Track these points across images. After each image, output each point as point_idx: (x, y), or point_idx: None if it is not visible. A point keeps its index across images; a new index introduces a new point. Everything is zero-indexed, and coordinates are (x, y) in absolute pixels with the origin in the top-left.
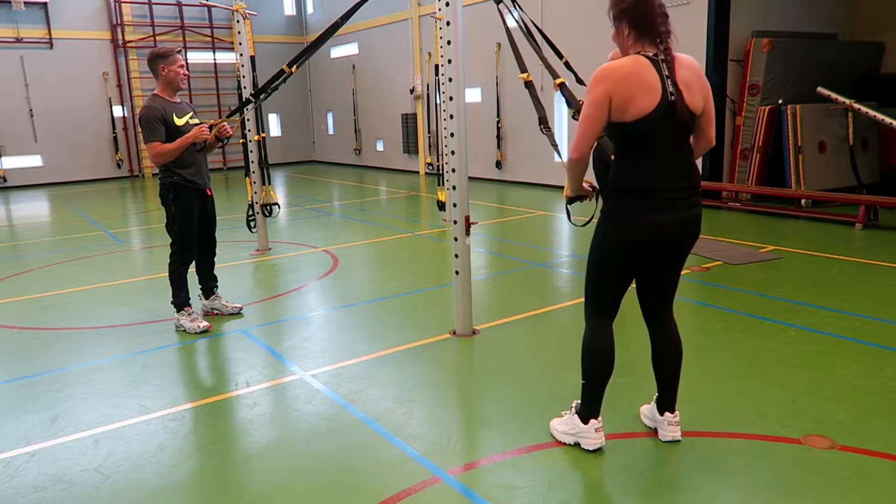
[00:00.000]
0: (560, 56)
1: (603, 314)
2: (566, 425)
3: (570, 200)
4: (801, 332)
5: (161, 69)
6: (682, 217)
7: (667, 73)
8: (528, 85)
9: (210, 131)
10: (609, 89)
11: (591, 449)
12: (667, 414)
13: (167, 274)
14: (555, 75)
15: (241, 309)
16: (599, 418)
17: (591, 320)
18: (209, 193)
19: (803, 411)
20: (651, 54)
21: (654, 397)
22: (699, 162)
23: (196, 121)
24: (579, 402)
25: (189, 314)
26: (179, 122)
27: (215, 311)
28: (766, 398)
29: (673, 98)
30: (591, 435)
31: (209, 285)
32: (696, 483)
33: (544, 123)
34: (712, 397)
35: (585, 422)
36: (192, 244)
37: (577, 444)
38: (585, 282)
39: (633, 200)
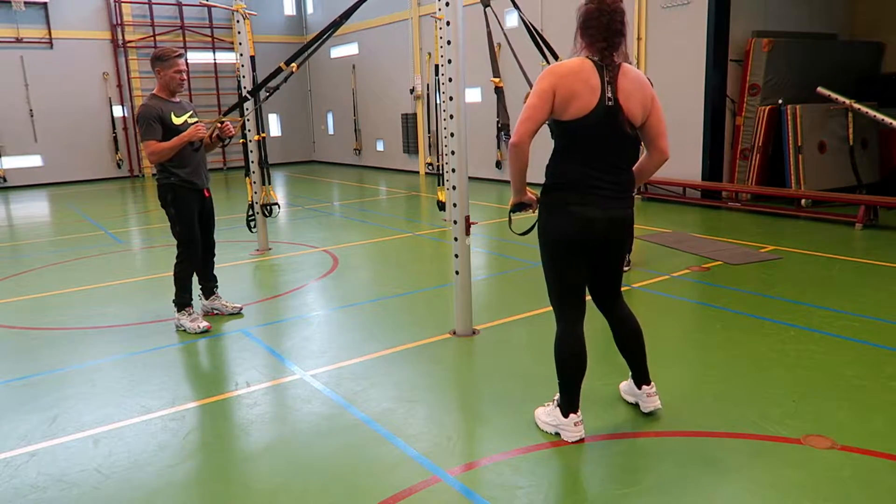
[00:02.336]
0: (556, 56)
1: (568, 311)
2: (549, 416)
3: (514, 209)
4: (801, 332)
5: (158, 71)
6: (612, 215)
7: (608, 78)
8: (498, 91)
9: (207, 131)
10: (554, 83)
11: (571, 441)
12: (644, 387)
13: (172, 274)
14: (531, 84)
15: (241, 309)
16: (579, 412)
17: (560, 319)
18: (207, 195)
19: (803, 411)
20: (596, 59)
21: (630, 375)
22: (698, 162)
23: (195, 120)
24: (560, 395)
25: (189, 314)
26: (177, 120)
27: (215, 311)
28: (766, 398)
29: (610, 104)
30: (571, 428)
31: (209, 285)
32: (696, 483)
33: (505, 130)
34: (712, 397)
35: (566, 415)
36: (197, 243)
37: (557, 434)
38: (547, 288)
39: (568, 193)
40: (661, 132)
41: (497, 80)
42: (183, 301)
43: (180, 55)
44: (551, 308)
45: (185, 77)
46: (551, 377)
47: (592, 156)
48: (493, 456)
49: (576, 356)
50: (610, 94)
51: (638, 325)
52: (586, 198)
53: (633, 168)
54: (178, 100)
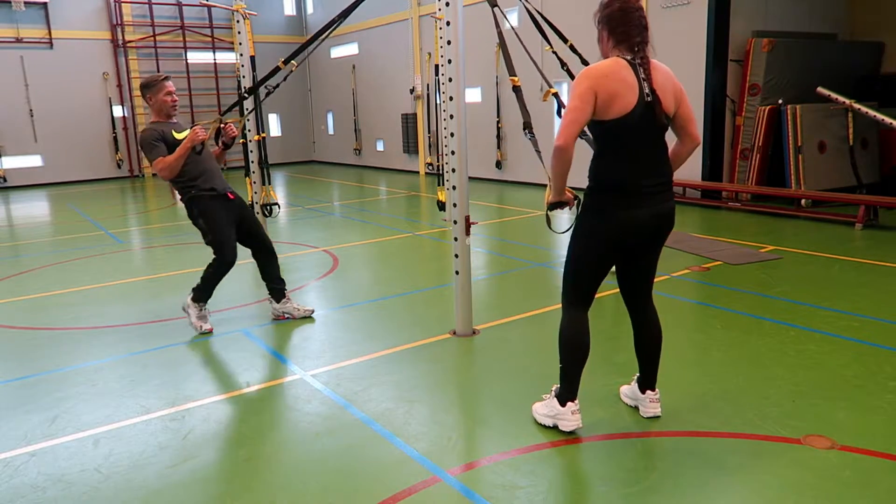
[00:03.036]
0: (564, 40)
1: (580, 302)
2: (546, 408)
3: (552, 207)
4: (801, 332)
5: (149, 99)
6: (659, 210)
7: (643, 75)
8: (516, 89)
9: (206, 132)
10: (593, 85)
11: (567, 430)
12: (648, 392)
13: (203, 270)
14: (548, 82)
15: (313, 312)
16: (576, 401)
17: (569, 308)
18: (232, 197)
19: (803, 411)
20: (628, 58)
21: (635, 377)
22: (698, 162)
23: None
24: (558, 386)
25: (200, 309)
26: (179, 136)
27: (287, 316)
28: (766, 398)
29: (649, 99)
30: (569, 417)
31: (277, 287)
32: (696, 483)
33: (528, 128)
34: (712, 397)
35: (563, 404)
36: (231, 249)
37: (555, 427)
38: (565, 272)
39: (614, 195)
40: (691, 118)
41: (515, 78)
42: (200, 296)
43: (167, 78)
44: (554, 307)
45: (177, 98)
46: (551, 377)
47: (636, 153)
48: (493, 456)
49: (581, 343)
50: (647, 90)
51: (660, 331)
52: (633, 199)
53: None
54: (175, 121)
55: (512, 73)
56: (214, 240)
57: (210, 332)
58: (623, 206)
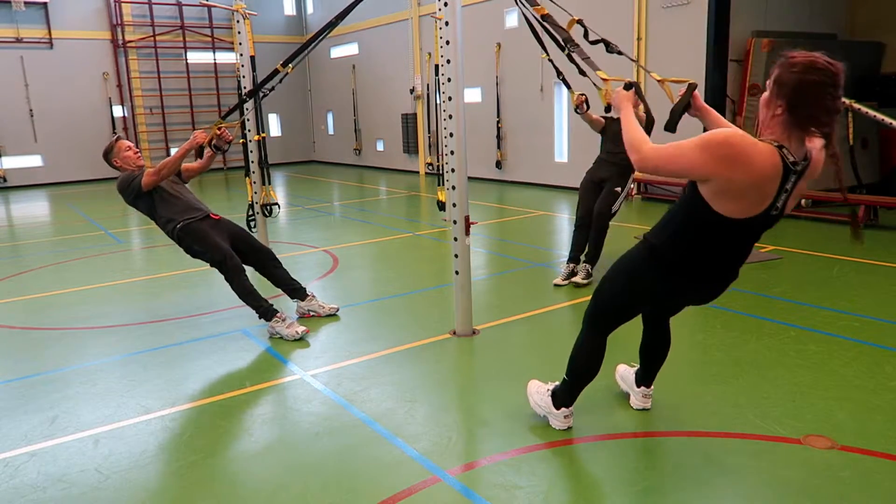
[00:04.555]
0: (572, 41)
1: (608, 328)
2: (542, 399)
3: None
4: (801, 332)
5: (114, 162)
6: (720, 289)
7: (790, 187)
8: (545, 17)
9: (206, 135)
10: (723, 174)
11: (558, 429)
12: (643, 387)
13: (236, 295)
14: (559, 72)
15: (338, 310)
16: (571, 408)
17: (591, 329)
18: (217, 217)
19: (803, 411)
20: (790, 160)
21: (635, 369)
22: None
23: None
24: (557, 384)
25: (283, 320)
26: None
27: (311, 313)
28: (766, 398)
29: (775, 213)
30: (560, 419)
31: (294, 287)
32: (696, 483)
33: (571, 43)
34: (712, 397)
35: (557, 408)
36: (230, 255)
37: (544, 417)
38: (596, 298)
39: (681, 277)
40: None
41: (539, 7)
42: (264, 309)
43: (119, 137)
44: (554, 307)
45: (138, 150)
46: (551, 377)
47: (727, 252)
48: (493, 456)
49: (593, 366)
50: (780, 203)
51: (669, 343)
52: (699, 284)
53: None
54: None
55: (534, 3)
56: (214, 257)
57: (307, 332)
58: (685, 286)
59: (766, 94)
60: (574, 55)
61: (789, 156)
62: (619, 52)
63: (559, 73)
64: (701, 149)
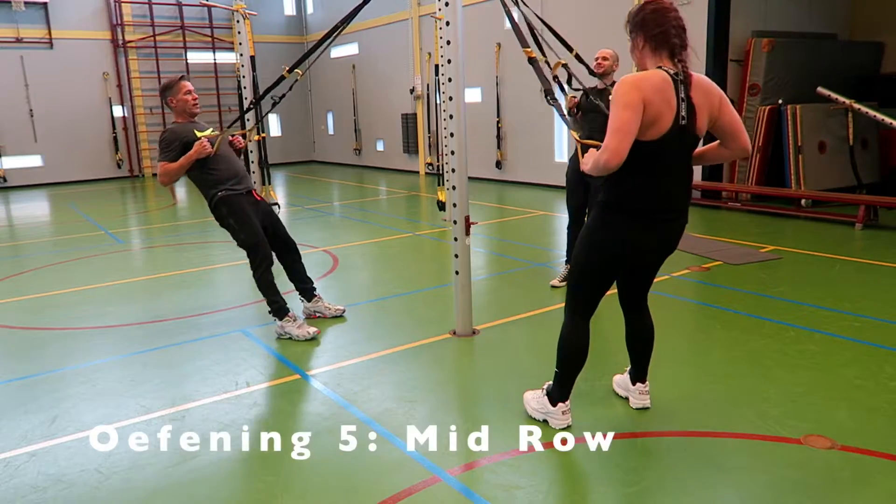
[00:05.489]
0: (570, 49)
1: (582, 311)
2: (538, 403)
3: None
4: (801, 332)
5: (170, 101)
6: (669, 234)
7: (682, 94)
8: (532, 61)
9: (212, 146)
10: (645, 98)
11: (558, 428)
12: (638, 384)
13: (256, 285)
14: (547, 81)
15: (344, 311)
16: (567, 402)
17: (572, 315)
18: (259, 198)
19: (803, 411)
20: (671, 72)
21: (628, 369)
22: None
23: (216, 133)
24: (550, 383)
25: (294, 320)
26: (201, 134)
27: (318, 314)
28: (766, 398)
29: (683, 122)
30: (559, 416)
31: (305, 287)
32: (696, 483)
33: (550, 95)
34: (712, 397)
35: (554, 405)
36: (265, 242)
37: (545, 421)
38: (569, 280)
39: (628, 217)
40: (737, 128)
41: (528, 50)
42: (278, 307)
43: (183, 77)
44: (554, 307)
45: (197, 96)
46: (551, 377)
47: (661, 178)
48: (493, 456)
49: (581, 350)
50: (684, 113)
51: (653, 331)
52: (647, 224)
53: (708, 155)
54: (196, 120)
55: (525, 45)
56: (247, 239)
57: (318, 333)
58: (635, 228)
59: (630, 45)
60: (553, 107)
61: (670, 70)
62: (597, 106)
63: (555, 77)
64: (624, 105)
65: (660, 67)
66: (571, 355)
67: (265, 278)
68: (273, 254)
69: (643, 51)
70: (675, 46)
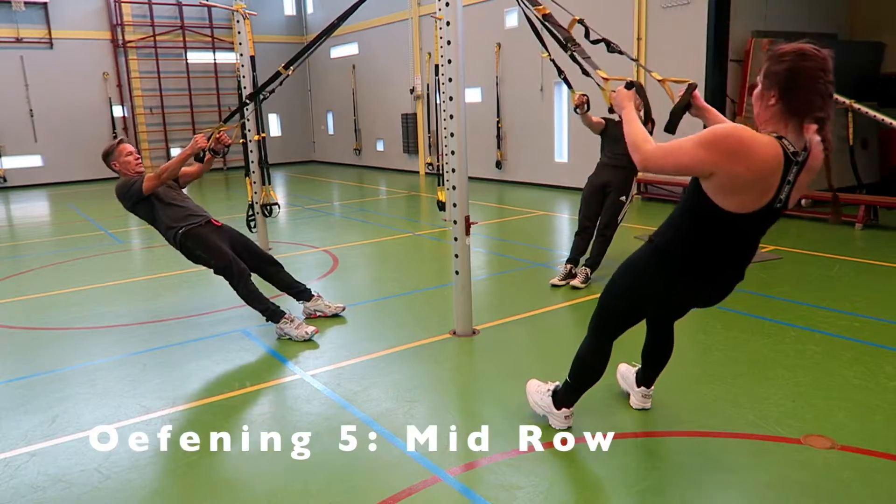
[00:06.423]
0: (573, 41)
1: (612, 334)
2: (542, 399)
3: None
4: (801, 332)
5: (113, 165)
6: (727, 288)
7: (792, 177)
8: (547, 17)
9: (207, 140)
10: (736, 172)
11: (558, 429)
12: (643, 387)
13: (242, 300)
14: (560, 70)
15: (344, 308)
16: (572, 408)
17: (598, 337)
18: (218, 224)
19: (803, 411)
20: (791, 150)
21: (637, 368)
22: None
23: (209, 129)
24: (559, 385)
25: (292, 321)
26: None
27: (318, 313)
28: (766, 398)
29: (779, 206)
30: (561, 419)
31: (299, 290)
32: (696, 483)
33: (571, 41)
34: (712, 397)
35: (558, 408)
36: (235, 260)
37: (544, 417)
38: (602, 301)
39: (685, 277)
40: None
41: (542, 7)
42: (271, 312)
43: (122, 140)
44: (554, 308)
45: (139, 156)
46: (551, 377)
47: (732, 247)
48: (493, 456)
49: (599, 369)
50: (783, 196)
51: (672, 347)
52: (705, 284)
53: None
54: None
55: (535, 3)
56: (218, 261)
57: (316, 332)
58: (690, 286)
59: (757, 90)
60: (576, 54)
61: (790, 146)
62: (620, 52)
63: (560, 72)
64: (703, 143)
65: (780, 138)
66: (587, 372)
67: (248, 290)
68: (255, 270)
69: (770, 108)
70: (818, 120)
